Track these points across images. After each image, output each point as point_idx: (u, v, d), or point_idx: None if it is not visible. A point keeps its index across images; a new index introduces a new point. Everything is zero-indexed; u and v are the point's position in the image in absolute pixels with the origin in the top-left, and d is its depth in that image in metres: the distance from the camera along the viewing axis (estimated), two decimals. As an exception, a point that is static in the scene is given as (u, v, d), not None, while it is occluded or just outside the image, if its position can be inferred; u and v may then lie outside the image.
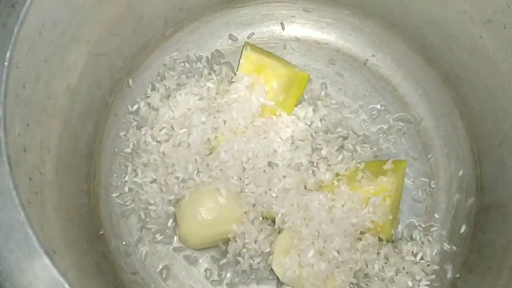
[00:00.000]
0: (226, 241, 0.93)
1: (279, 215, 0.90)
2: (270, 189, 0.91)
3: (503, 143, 0.86)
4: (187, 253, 0.95)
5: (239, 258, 0.92)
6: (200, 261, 0.95)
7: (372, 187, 0.91)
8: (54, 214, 0.75)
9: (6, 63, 0.58)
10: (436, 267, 0.93)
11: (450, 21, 0.88)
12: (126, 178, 0.97)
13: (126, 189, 0.97)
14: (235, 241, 0.92)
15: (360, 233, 0.91)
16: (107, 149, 0.98)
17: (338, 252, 0.88)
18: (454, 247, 0.94)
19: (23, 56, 0.66)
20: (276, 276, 0.91)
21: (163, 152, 0.95)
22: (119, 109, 1.00)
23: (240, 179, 0.92)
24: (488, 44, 0.84)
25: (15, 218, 0.55)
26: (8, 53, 0.59)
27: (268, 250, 0.91)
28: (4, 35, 0.60)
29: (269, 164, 0.93)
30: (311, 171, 0.95)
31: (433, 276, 0.92)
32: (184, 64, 1.03)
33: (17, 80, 0.65)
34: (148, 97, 1.00)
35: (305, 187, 0.94)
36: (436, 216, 0.97)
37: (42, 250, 0.54)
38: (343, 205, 0.90)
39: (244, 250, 0.91)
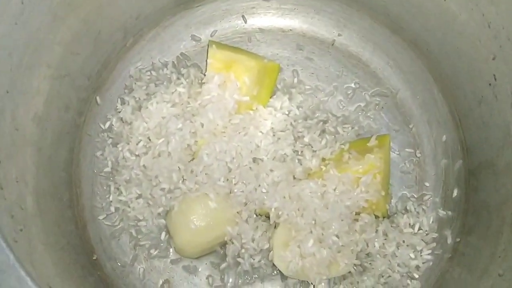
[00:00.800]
0: (223, 245, 0.91)
1: (273, 209, 0.89)
2: (259, 185, 0.90)
3: (482, 102, 0.86)
4: (186, 264, 0.93)
5: (239, 259, 0.90)
6: (200, 269, 0.93)
7: (360, 166, 0.91)
8: (44, 248, 0.72)
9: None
10: (435, 235, 0.93)
11: (412, -11, 0.88)
12: (111, 198, 0.94)
13: (112, 209, 0.94)
14: (232, 243, 0.90)
15: (356, 214, 0.91)
16: (86, 171, 0.95)
17: (337, 236, 0.87)
18: (449, 212, 0.95)
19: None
20: (280, 271, 0.90)
21: (144, 166, 0.92)
22: (91, 129, 0.97)
23: (227, 180, 0.90)
24: (453, 7, 0.84)
25: (5, 261, 0.52)
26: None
27: (267, 246, 0.90)
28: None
29: (254, 160, 0.92)
30: (297, 160, 0.94)
31: (434, 244, 0.92)
32: (151, 73, 1.00)
33: (-19, 117, 0.62)
34: (119, 112, 0.97)
35: (294, 177, 0.92)
36: (427, 184, 0.97)
37: (38, 289, 0.51)
38: (334, 189, 0.89)
39: (243, 250, 0.90)
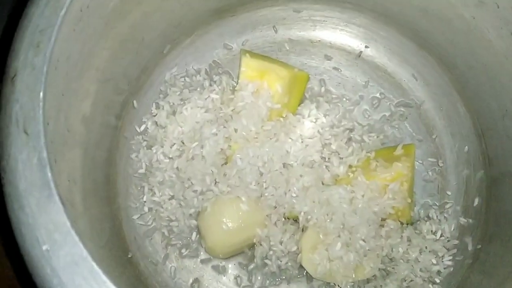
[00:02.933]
0: (252, 246, 0.94)
1: (302, 213, 0.92)
2: (289, 189, 0.93)
3: (506, 116, 0.90)
4: (215, 263, 0.96)
5: (267, 261, 0.93)
6: (228, 269, 0.96)
7: (388, 174, 0.94)
8: (91, 245, 0.74)
9: (41, 103, 0.58)
10: (456, 242, 0.96)
11: (442, 7, 0.91)
12: (144, 198, 0.97)
13: (146, 209, 0.97)
14: (261, 244, 0.93)
15: (381, 220, 0.94)
16: (122, 172, 0.98)
17: (364, 241, 0.90)
18: (470, 220, 0.97)
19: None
20: (305, 273, 0.93)
21: (177, 168, 0.96)
22: (127, 131, 0.99)
23: (258, 183, 0.93)
24: (481, 25, 0.87)
25: (78, 253, 0.55)
26: (41, 94, 0.59)
27: (294, 249, 0.93)
28: (34, 77, 0.60)
29: (284, 165, 0.95)
30: (325, 167, 0.97)
31: (455, 251, 0.95)
32: (185, 79, 1.03)
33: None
34: (154, 115, 1.00)
35: (323, 183, 0.96)
36: (449, 193, 1.01)
37: (110, 281, 0.54)
38: (363, 196, 0.92)
39: (271, 252, 0.93)
